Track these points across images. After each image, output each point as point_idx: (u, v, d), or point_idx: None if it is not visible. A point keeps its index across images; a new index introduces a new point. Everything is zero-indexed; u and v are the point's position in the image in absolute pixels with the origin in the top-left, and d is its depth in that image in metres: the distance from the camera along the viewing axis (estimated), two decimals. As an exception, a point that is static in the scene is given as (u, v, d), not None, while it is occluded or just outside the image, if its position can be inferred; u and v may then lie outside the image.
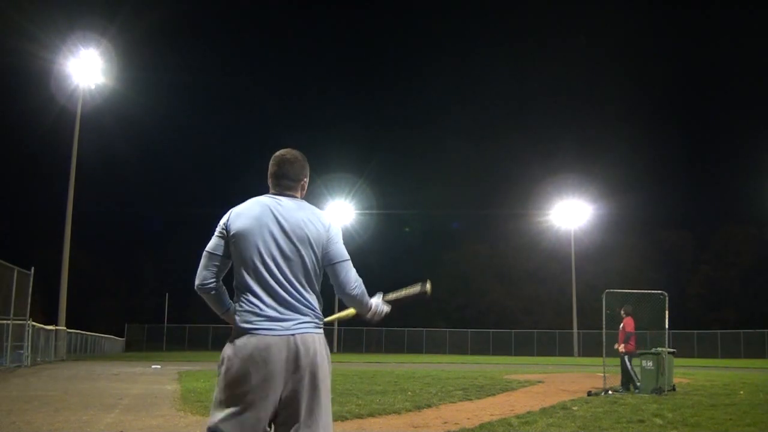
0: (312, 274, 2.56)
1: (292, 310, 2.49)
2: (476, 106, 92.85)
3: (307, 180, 2.78)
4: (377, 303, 2.80)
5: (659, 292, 12.65)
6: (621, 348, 11.98)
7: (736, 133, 74.45)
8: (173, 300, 57.48)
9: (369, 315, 2.78)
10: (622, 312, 12.23)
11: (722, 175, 74.18)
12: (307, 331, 2.48)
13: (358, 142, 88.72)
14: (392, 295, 2.91)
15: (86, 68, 32.33)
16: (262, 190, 2.80)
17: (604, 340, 12.38)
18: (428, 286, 2.93)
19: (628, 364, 11.85)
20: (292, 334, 2.45)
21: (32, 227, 60.57)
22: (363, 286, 2.66)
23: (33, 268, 18.87)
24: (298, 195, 2.73)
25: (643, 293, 13.34)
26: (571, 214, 52.02)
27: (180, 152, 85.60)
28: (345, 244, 2.68)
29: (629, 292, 13.28)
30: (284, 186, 2.70)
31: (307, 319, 2.51)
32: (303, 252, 2.53)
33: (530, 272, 66.67)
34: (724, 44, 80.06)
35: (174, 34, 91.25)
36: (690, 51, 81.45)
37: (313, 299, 2.56)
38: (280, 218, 2.57)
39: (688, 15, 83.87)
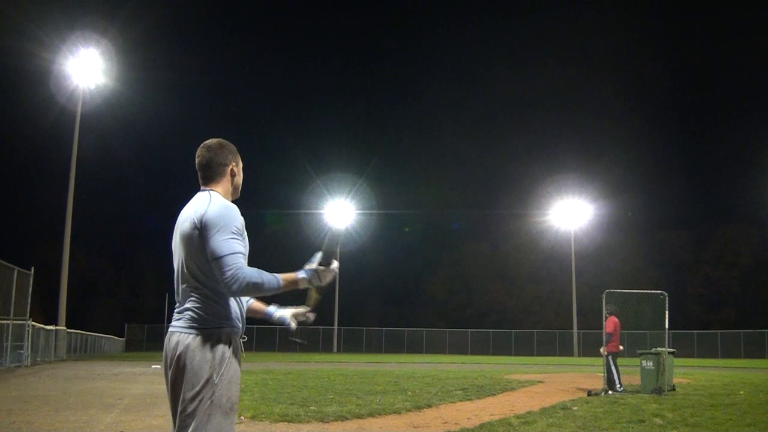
0: (193, 272, 2.47)
1: (180, 307, 2.54)
2: (476, 106, 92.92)
3: (234, 166, 2.66)
4: (308, 271, 2.49)
5: (659, 292, 12.63)
6: (604, 351, 11.99)
7: (736, 133, 74.57)
8: (173, 300, 57.34)
9: (310, 285, 2.52)
10: (606, 311, 12.20)
11: (722, 175, 74.28)
12: (179, 330, 2.48)
13: (358, 143, 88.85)
14: (319, 257, 2.55)
15: (86, 68, 32.31)
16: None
17: (604, 340, 12.36)
18: (336, 228, 2.74)
19: (611, 364, 11.85)
20: (174, 332, 2.50)
21: (32, 227, 60.78)
22: (249, 277, 2.33)
23: (33, 268, 18.86)
24: (221, 185, 2.62)
25: (643, 293, 13.32)
26: (571, 214, 52.00)
27: (180, 152, 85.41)
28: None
29: (629, 292, 13.26)
30: (204, 178, 2.64)
31: (184, 317, 2.50)
32: (184, 249, 2.50)
33: (530, 272, 66.70)
34: (724, 44, 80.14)
35: (175, 34, 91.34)
36: (690, 51, 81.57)
37: (194, 298, 2.48)
38: (180, 217, 2.58)
39: (688, 15, 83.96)
